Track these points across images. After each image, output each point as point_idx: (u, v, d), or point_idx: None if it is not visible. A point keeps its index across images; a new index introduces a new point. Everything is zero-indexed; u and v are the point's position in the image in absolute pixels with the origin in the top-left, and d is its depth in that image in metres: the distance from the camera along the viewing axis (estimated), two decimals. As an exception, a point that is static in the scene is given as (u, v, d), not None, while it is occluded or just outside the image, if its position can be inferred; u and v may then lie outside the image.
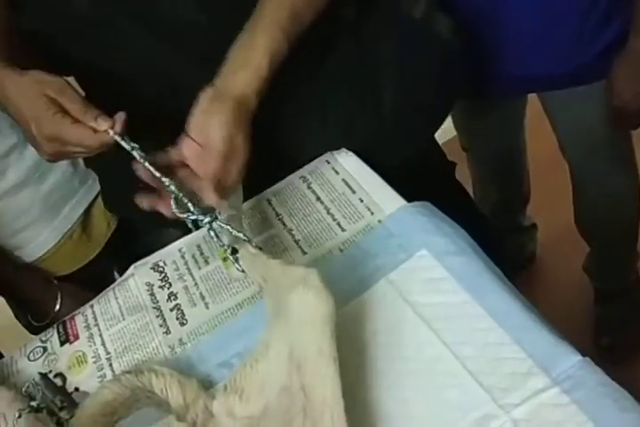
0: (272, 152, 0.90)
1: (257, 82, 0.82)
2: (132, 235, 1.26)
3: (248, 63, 0.82)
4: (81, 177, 1.18)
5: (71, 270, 1.20)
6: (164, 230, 1.13)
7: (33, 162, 1.10)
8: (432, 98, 0.96)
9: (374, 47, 0.94)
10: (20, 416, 0.78)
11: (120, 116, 0.80)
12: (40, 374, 0.86)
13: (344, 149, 0.95)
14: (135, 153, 0.79)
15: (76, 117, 0.79)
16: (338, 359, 0.65)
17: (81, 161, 1.17)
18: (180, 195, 0.79)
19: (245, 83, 0.82)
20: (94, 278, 1.20)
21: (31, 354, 0.90)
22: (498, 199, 1.70)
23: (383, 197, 0.88)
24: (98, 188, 1.19)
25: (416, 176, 0.96)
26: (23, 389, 0.84)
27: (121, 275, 0.95)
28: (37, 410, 0.80)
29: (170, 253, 0.94)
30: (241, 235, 0.80)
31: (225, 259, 0.89)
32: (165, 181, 0.79)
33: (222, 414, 0.69)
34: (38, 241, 1.14)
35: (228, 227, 0.80)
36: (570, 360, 0.66)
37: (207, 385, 0.76)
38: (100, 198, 1.20)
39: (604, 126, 1.24)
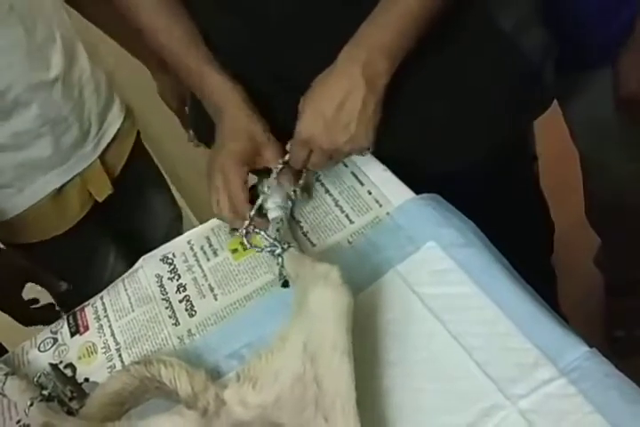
0: None
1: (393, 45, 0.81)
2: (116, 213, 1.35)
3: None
4: (61, 158, 1.22)
5: (37, 240, 1.26)
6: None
7: (14, 131, 1.14)
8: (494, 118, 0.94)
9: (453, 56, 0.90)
10: (31, 405, 0.79)
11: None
12: (50, 364, 0.87)
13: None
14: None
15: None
16: (352, 354, 0.66)
17: (64, 141, 1.21)
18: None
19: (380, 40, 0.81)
20: (69, 253, 1.29)
21: (42, 345, 0.91)
22: None
23: (391, 190, 0.88)
24: (75, 171, 1.24)
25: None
26: (34, 378, 0.85)
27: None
28: (49, 399, 0.80)
29: (179, 245, 0.94)
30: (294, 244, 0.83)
31: (234, 251, 0.90)
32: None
33: (235, 402, 0.69)
34: (6, 205, 1.19)
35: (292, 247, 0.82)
36: (577, 351, 0.66)
37: (215, 376, 0.76)
38: (77, 180, 1.25)
39: (616, 113, 1.23)
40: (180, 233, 0.98)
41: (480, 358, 0.68)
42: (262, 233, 0.85)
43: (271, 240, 0.83)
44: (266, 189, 0.88)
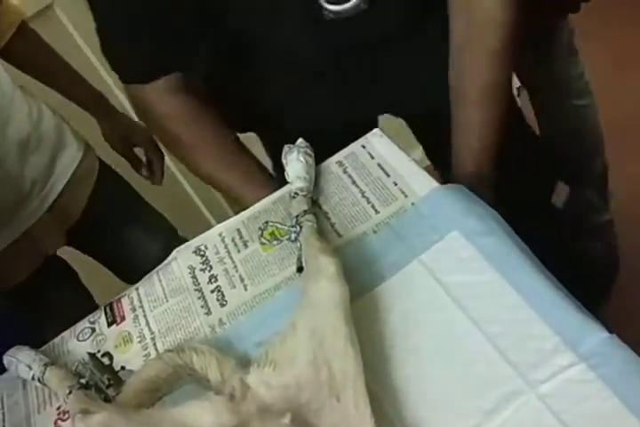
0: None
1: None
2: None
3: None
4: (3, 219, 1.19)
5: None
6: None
7: None
8: None
9: None
10: (70, 393, 0.82)
11: None
12: (89, 353, 0.90)
13: (378, 132, 0.97)
14: None
15: None
16: (355, 338, 0.70)
17: (3, 202, 1.17)
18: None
19: None
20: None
21: (80, 335, 0.94)
22: None
23: (417, 181, 0.89)
24: (21, 229, 1.21)
25: None
26: (72, 368, 0.89)
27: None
28: (87, 387, 0.83)
29: (210, 238, 0.97)
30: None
31: (264, 242, 0.92)
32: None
33: (258, 384, 0.72)
34: None
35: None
36: (596, 337, 0.67)
37: (245, 363, 0.78)
38: (25, 237, 1.22)
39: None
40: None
41: (500, 344, 0.70)
42: (278, 224, 0.91)
43: (287, 228, 0.88)
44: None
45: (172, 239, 1.36)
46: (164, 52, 0.96)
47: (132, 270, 1.02)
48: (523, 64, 1.44)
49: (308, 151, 0.95)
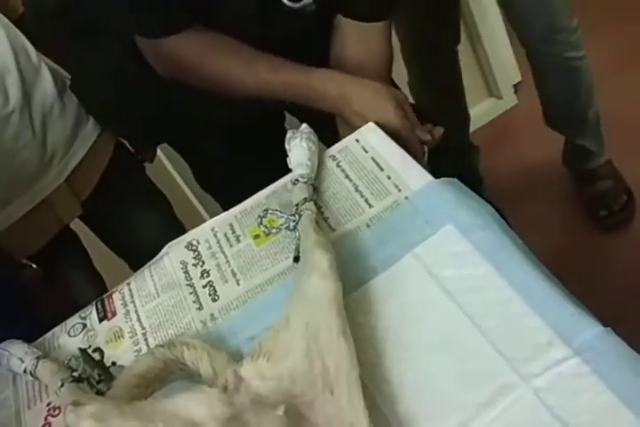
0: None
1: None
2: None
3: None
4: (23, 187, 1.20)
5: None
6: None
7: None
8: None
9: None
10: (62, 385, 0.81)
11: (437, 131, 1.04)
12: (80, 349, 0.89)
13: (372, 126, 0.96)
14: None
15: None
16: (348, 332, 0.70)
17: (25, 169, 1.19)
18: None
19: None
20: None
21: (71, 330, 0.93)
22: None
23: (410, 175, 0.88)
24: (40, 198, 1.23)
25: None
26: (65, 361, 0.88)
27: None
28: (79, 380, 0.83)
29: (203, 232, 0.96)
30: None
31: (256, 237, 0.91)
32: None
33: (252, 376, 0.71)
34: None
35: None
36: (591, 331, 0.66)
37: (237, 358, 0.77)
38: (42, 205, 1.23)
39: None
40: None
41: (494, 338, 0.69)
42: (278, 213, 0.89)
43: (286, 216, 0.87)
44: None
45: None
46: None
47: (134, 255, 1.01)
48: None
49: (312, 137, 0.94)
